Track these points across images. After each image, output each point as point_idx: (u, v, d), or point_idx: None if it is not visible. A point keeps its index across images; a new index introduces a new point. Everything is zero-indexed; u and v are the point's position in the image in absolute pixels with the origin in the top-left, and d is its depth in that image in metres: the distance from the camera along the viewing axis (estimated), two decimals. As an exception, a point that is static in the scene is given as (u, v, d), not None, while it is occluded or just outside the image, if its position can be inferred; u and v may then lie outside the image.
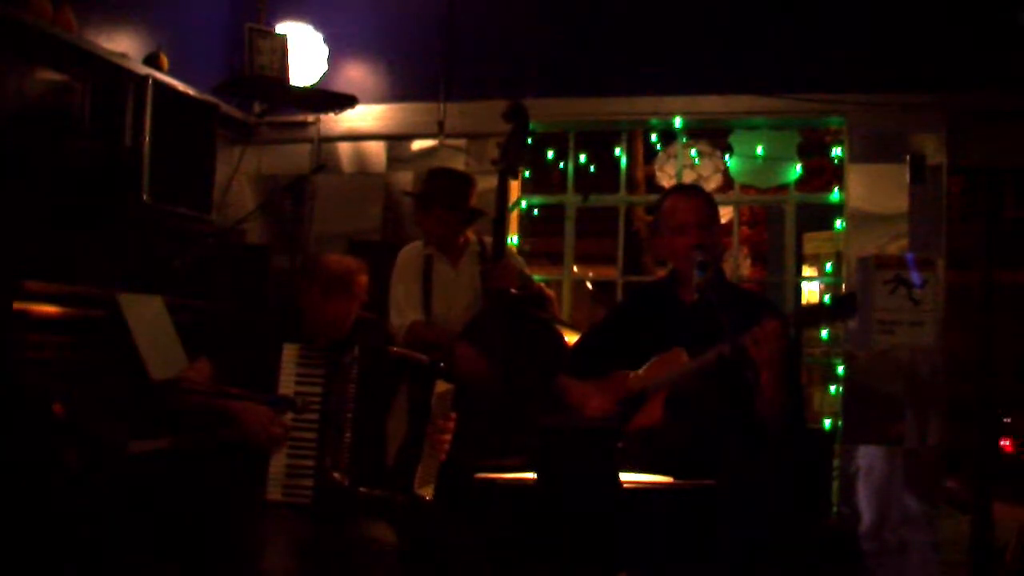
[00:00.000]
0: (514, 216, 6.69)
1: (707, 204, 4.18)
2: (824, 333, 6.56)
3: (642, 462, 3.71)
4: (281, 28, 6.58)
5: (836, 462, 6.09)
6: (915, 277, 5.97)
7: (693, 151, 6.90)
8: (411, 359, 4.31)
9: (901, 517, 6.02)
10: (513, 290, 5.02)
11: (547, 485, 3.48)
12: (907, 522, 6.02)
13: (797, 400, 4.05)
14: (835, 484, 6.09)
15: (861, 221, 6.20)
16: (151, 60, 5.75)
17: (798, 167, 6.59)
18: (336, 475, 4.10)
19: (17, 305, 4.10)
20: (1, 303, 4.05)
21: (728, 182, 6.80)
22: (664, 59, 6.48)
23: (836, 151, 6.53)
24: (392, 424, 4.16)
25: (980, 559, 6.62)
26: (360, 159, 6.96)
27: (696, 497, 3.55)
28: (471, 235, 5.49)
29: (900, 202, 6.14)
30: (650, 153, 7.32)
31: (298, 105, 6.84)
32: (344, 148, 6.98)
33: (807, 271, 8.65)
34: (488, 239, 5.21)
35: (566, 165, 6.89)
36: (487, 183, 5.65)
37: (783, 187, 6.71)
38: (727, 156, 6.72)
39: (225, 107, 6.42)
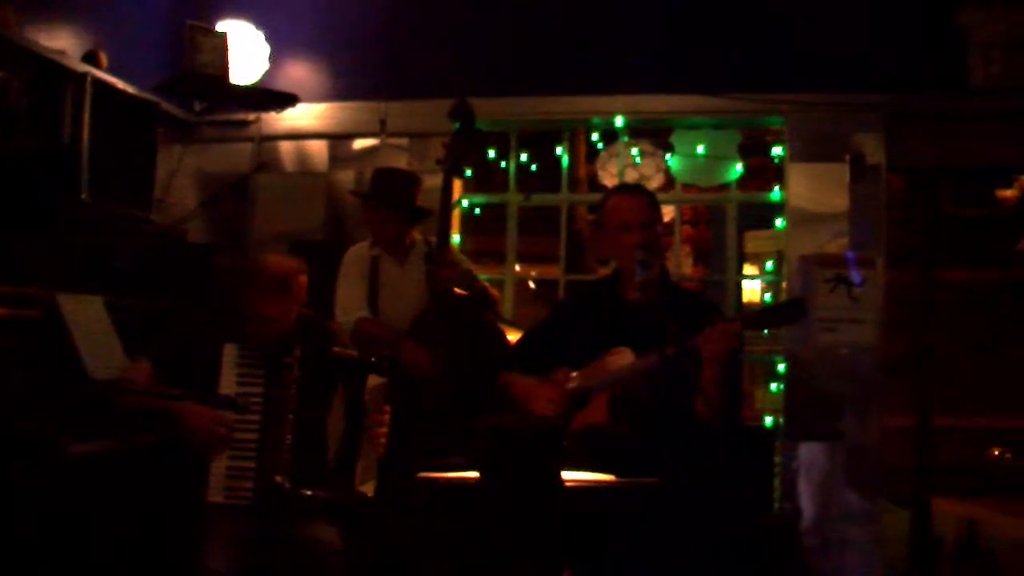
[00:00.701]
0: (456, 215, 6.69)
1: (649, 203, 4.21)
2: (765, 330, 6.61)
3: (585, 461, 3.72)
4: (222, 26, 6.53)
5: (777, 459, 6.14)
6: (855, 275, 6.02)
7: (635, 150, 6.91)
8: (348, 358, 4.31)
9: (842, 513, 6.08)
10: (458, 290, 5.03)
11: (490, 484, 3.48)
12: (848, 518, 6.08)
13: (736, 399, 4.09)
14: (776, 481, 6.13)
15: (802, 220, 6.25)
16: (90, 58, 5.68)
17: (739, 166, 6.63)
18: (278, 477, 4.08)
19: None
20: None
21: (670, 181, 6.83)
22: (606, 59, 6.50)
23: (777, 151, 6.57)
24: (332, 424, 4.16)
25: (920, 554, 6.71)
26: (302, 158, 6.92)
27: (639, 495, 3.57)
28: (417, 235, 5.49)
29: (840, 201, 6.20)
30: (592, 152, 7.33)
31: (239, 103, 6.79)
32: (285, 147, 6.94)
33: (748, 270, 8.70)
34: (434, 239, 5.21)
35: (508, 164, 6.89)
36: (430, 182, 5.64)
37: (725, 186, 6.75)
38: (669, 155, 6.75)
39: (165, 105, 6.36)
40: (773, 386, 6.43)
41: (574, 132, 7.14)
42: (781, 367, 6.28)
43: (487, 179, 7.11)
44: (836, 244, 6.16)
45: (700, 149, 6.63)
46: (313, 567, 4.03)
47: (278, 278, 4.34)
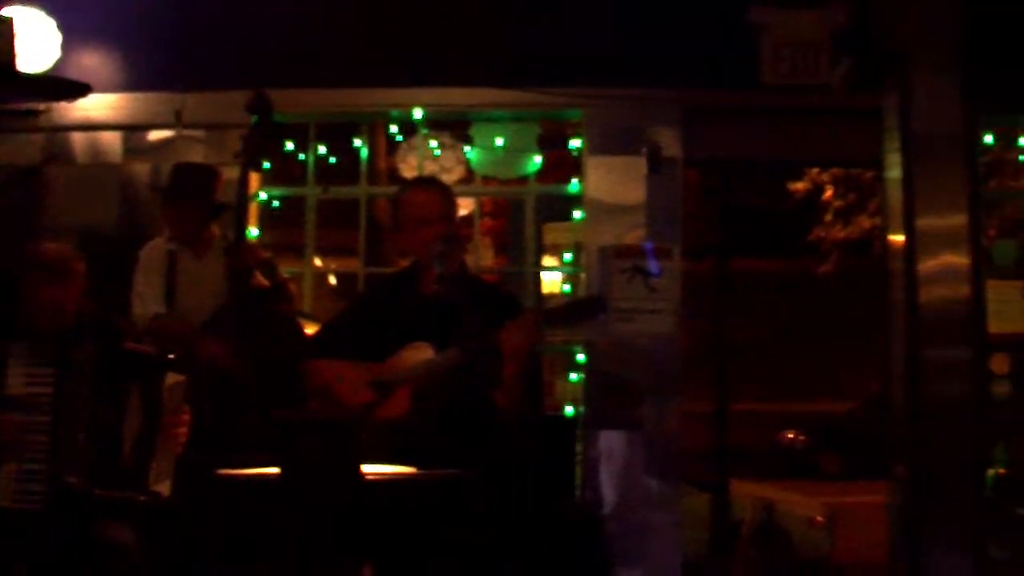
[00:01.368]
0: (253, 208, 6.58)
1: (446, 196, 4.22)
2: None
3: (386, 454, 3.71)
4: (8, 11, 6.28)
5: (579, 448, 6.23)
6: (652, 266, 6.15)
7: (434, 143, 6.92)
8: (142, 354, 4.22)
9: (643, 499, 6.20)
10: (260, 279, 4.98)
11: (290, 479, 3.44)
12: (649, 503, 6.21)
13: (537, 390, 4.14)
14: (578, 469, 6.22)
15: (600, 212, 6.35)
16: None
17: (537, 159, 6.69)
18: (71, 478, 3.96)
19: None
20: None
21: (469, 174, 6.86)
22: (406, 51, 6.48)
23: (575, 143, 6.66)
24: (127, 422, 4.06)
25: (719, 535, 6.89)
26: (94, 150, 6.71)
27: (440, 488, 3.58)
28: (216, 230, 5.40)
29: (637, 194, 6.32)
30: (392, 145, 7.31)
31: (27, 93, 6.54)
32: (77, 138, 6.72)
33: (547, 261, 8.82)
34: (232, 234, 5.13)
35: (306, 157, 6.82)
36: (227, 175, 5.54)
37: (523, 179, 6.81)
38: (468, 148, 6.77)
39: (-51, 94, 6.11)
40: (573, 376, 6.51)
41: (373, 124, 7.12)
42: (580, 357, 6.38)
43: (285, 172, 7.03)
44: (633, 236, 6.27)
45: (499, 142, 6.67)
46: (108, 569, 3.94)
47: (53, 263, 4.25)
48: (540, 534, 4.04)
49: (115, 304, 5.05)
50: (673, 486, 6.27)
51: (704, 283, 7.11)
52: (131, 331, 4.80)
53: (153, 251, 5.37)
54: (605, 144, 6.38)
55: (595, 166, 6.40)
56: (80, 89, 6.37)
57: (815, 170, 13.71)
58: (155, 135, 6.67)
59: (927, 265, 4.82)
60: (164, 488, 4.12)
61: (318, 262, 7.11)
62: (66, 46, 6.56)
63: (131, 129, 6.69)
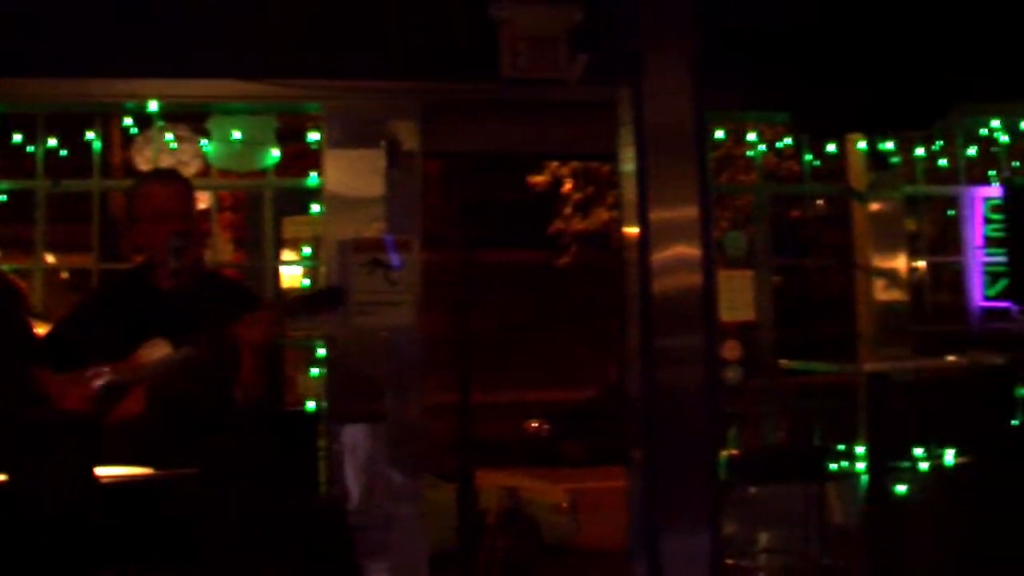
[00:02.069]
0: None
1: (182, 190, 4.13)
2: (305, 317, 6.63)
3: (122, 455, 3.60)
4: None
5: (322, 442, 6.18)
6: (393, 259, 6.15)
7: (170, 136, 6.72)
8: None
9: (387, 492, 6.20)
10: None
11: (20, 484, 3.30)
12: (393, 496, 6.21)
13: (277, 385, 4.09)
14: (321, 464, 6.17)
15: (339, 205, 6.31)
16: None
17: (276, 152, 6.60)
18: None
19: None
20: None
21: (207, 167, 6.70)
22: (141, 40, 6.27)
23: (314, 136, 6.59)
24: None
25: (466, 525, 6.95)
26: None
27: (180, 487, 3.50)
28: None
29: (377, 187, 6.30)
30: (127, 137, 7.06)
31: None
32: None
33: (287, 255, 8.70)
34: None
35: (35, 149, 6.52)
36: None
37: (262, 172, 6.70)
38: (205, 141, 6.61)
39: None
40: (314, 371, 6.45)
41: (107, 116, 6.86)
42: (321, 351, 6.32)
43: (13, 165, 6.71)
44: (373, 228, 6.25)
45: (237, 135, 6.53)
46: None
47: None
48: (283, 530, 3.99)
49: None
50: (417, 478, 6.29)
51: (447, 275, 7.15)
52: None
53: None
54: (344, 137, 6.34)
55: (334, 159, 6.34)
56: None
57: (555, 163, 14.00)
58: None
59: (660, 256, 4.95)
60: None
61: (50, 258, 6.81)
62: None
63: None
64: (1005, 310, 7.98)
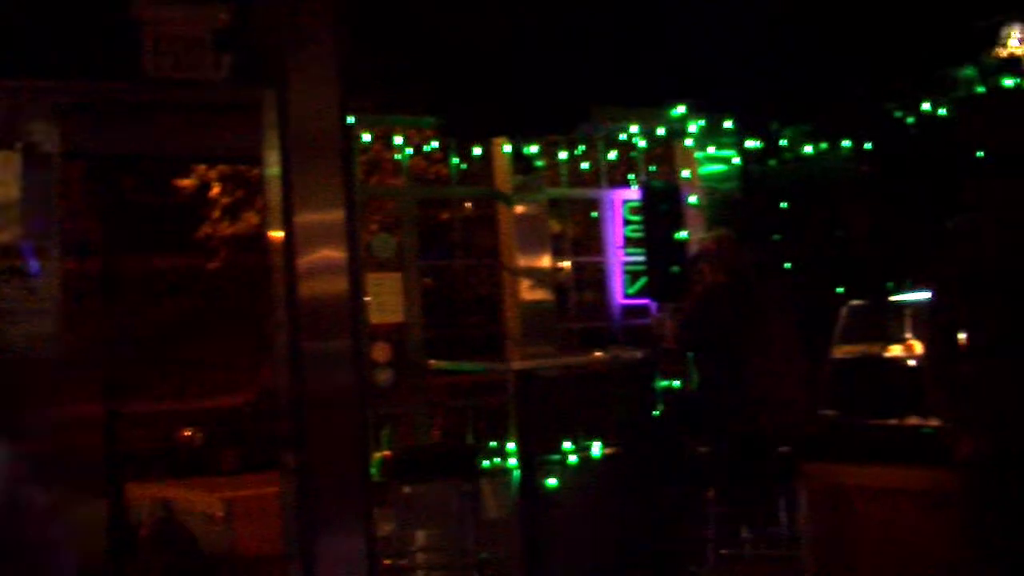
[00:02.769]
0: None
1: None
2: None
3: None
4: None
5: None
6: (31, 265, 5.87)
7: None
8: None
9: (30, 512, 5.90)
10: None
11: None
12: (36, 516, 5.92)
13: None
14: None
15: (-33, 210, 5.97)
16: None
17: None
18: None
19: None
20: None
21: None
22: None
23: (-57, 137, 6.20)
24: None
25: (118, 540, 6.70)
26: None
27: None
28: None
29: (13, 190, 6.00)
30: None
31: None
32: None
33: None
34: None
35: None
36: None
37: None
38: None
39: None
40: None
41: None
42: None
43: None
44: (9, 234, 5.95)
45: None
46: None
47: None
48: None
49: None
50: (62, 494, 6.01)
51: (89, 282, 6.88)
52: None
53: None
54: (-23, 138, 6.00)
55: (-35, 161, 6.00)
56: None
57: (203, 167, 13.68)
58: None
59: (307, 260, 4.94)
60: None
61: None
62: None
63: None
64: (644, 307, 8.40)
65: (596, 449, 7.49)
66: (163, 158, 7.88)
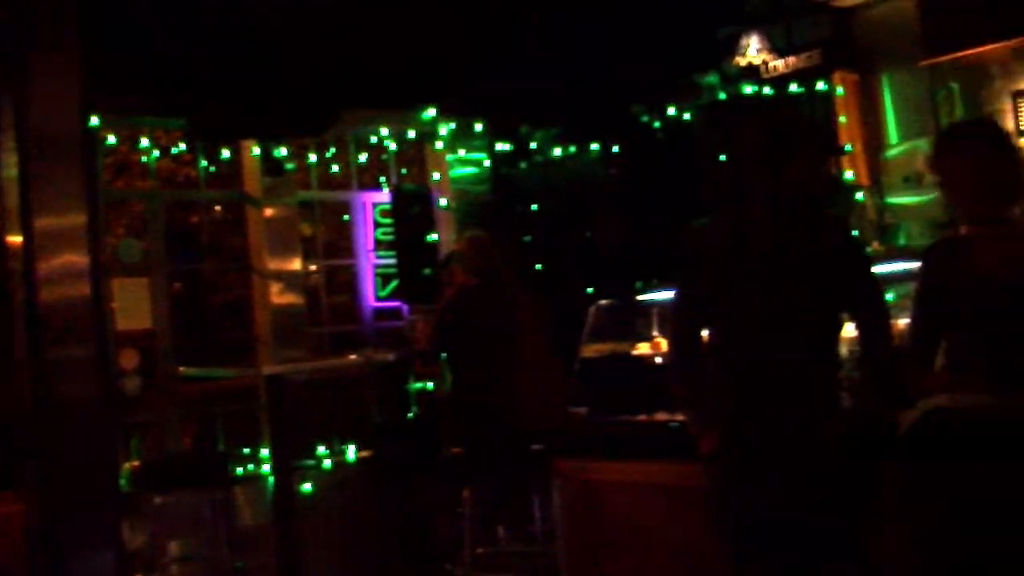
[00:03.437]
0: None
1: None
2: None
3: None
4: None
5: None
6: None
7: None
8: None
9: None
10: None
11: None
12: None
13: None
14: None
15: None
16: None
17: None
18: None
19: None
20: None
21: None
22: None
23: None
24: None
25: None
26: None
27: None
28: None
29: None
30: None
31: None
32: None
33: None
34: None
35: None
36: None
37: None
38: None
39: None
40: None
41: None
42: None
43: None
44: None
45: None
46: None
47: None
48: None
49: None
50: None
51: None
52: None
53: None
54: None
55: None
56: None
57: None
58: None
59: (47, 265, 4.74)
60: None
61: None
62: None
63: None
64: (396, 309, 8.42)
65: (351, 453, 7.47)
66: None
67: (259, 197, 7.77)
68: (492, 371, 6.01)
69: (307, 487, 7.05)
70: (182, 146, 7.86)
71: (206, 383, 7.55)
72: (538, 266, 8.40)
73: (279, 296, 7.74)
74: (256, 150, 7.69)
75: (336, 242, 8.75)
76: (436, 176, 8.70)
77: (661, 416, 4.93)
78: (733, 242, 3.73)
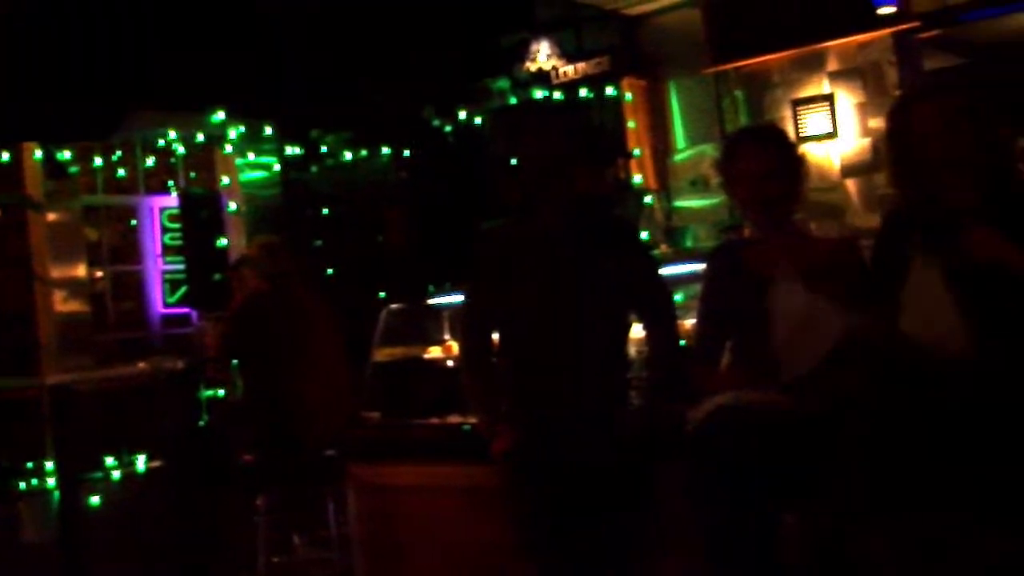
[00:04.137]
0: None
1: None
2: None
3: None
4: None
5: None
6: None
7: None
8: None
9: None
10: None
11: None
12: None
13: None
14: None
15: None
16: None
17: None
18: None
19: None
20: None
21: None
22: None
23: None
24: None
25: None
26: None
27: None
28: None
29: None
30: None
31: None
32: None
33: None
34: None
35: None
36: None
37: None
38: None
39: None
40: None
41: None
42: None
43: None
44: None
45: None
46: None
47: None
48: None
49: None
50: None
51: None
52: None
53: None
54: None
55: None
56: None
57: None
58: None
59: None
60: None
61: None
62: None
63: None
64: (186, 316, 8.27)
65: (141, 463, 7.31)
66: None
67: (41, 201, 7.53)
68: (283, 377, 5.94)
69: (95, 500, 6.87)
70: (-44, 149, 7.57)
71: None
72: (329, 270, 8.37)
73: (63, 303, 7.53)
74: (38, 152, 7.45)
75: (123, 247, 8.53)
76: (226, 180, 8.58)
77: (454, 419, 4.98)
78: (522, 245, 3.80)
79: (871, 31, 7.17)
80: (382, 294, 7.00)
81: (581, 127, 4.10)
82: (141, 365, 7.33)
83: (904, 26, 7.14)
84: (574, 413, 3.69)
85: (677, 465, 3.65)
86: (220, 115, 8.27)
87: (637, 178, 8.01)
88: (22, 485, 6.79)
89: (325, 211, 8.70)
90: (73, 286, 7.60)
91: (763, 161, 3.59)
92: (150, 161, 8.34)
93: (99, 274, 8.14)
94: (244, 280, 6.57)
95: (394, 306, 5.92)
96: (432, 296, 5.94)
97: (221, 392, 7.74)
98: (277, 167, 8.71)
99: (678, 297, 4.59)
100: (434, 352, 5.64)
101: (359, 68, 8.13)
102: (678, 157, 8.21)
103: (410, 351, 5.70)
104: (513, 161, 7.36)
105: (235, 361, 6.53)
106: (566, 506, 3.67)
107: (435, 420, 5.09)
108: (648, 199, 7.97)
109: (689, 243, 7.54)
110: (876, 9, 7.04)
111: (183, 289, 8.22)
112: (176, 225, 8.23)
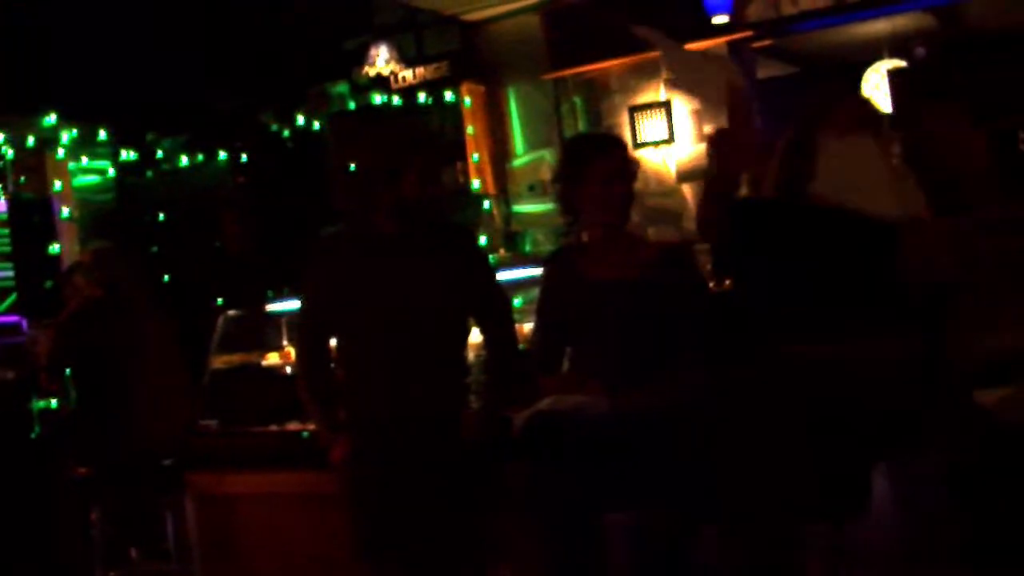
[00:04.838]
0: None
1: None
2: None
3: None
4: None
5: None
6: None
7: None
8: None
9: None
10: None
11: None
12: None
13: None
14: None
15: None
16: None
17: None
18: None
19: None
20: None
21: None
22: None
23: None
24: None
25: None
26: None
27: None
28: None
29: None
30: None
31: None
32: None
33: None
34: None
35: None
36: None
37: None
38: None
39: None
40: None
41: None
42: None
43: None
44: None
45: None
46: None
47: None
48: None
49: None
50: None
51: None
52: None
53: None
54: None
55: None
56: None
57: None
58: None
59: None
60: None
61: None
62: None
63: None
64: (15, 324, 8.04)
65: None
66: None
67: None
68: (117, 386, 5.83)
69: None
70: None
71: None
72: (166, 277, 8.24)
73: None
74: None
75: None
76: (58, 185, 8.38)
77: (293, 426, 4.95)
78: (357, 251, 3.80)
79: (706, 40, 7.35)
80: (220, 300, 6.90)
81: (408, 131, 4.10)
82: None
83: (738, 35, 7.34)
84: (412, 418, 3.70)
85: (512, 468, 3.71)
86: (52, 118, 8.09)
87: (476, 183, 8.06)
88: None
89: (161, 217, 8.57)
90: None
91: (610, 161, 3.69)
92: (-21, 164, 8.13)
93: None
94: (77, 287, 6.43)
95: (232, 312, 5.85)
96: (270, 302, 5.88)
97: (54, 403, 7.54)
98: (112, 172, 8.55)
99: (517, 301, 4.64)
100: (272, 359, 5.59)
101: (197, 71, 8.02)
102: (517, 162, 8.28)
103: (248, 358, 5.65)
104: (352, 166, 7.36)
105: (68, 371, 6.38)
106: (404, 511, 3.68)
107: (274, 427, 5.06)
108: (487, 204, 8.03)
109: (528, 247, 7.62)
110: (711, 18, 7.22)
111: (12, 297, 8.00)
112: (5, 231, 8.02)
